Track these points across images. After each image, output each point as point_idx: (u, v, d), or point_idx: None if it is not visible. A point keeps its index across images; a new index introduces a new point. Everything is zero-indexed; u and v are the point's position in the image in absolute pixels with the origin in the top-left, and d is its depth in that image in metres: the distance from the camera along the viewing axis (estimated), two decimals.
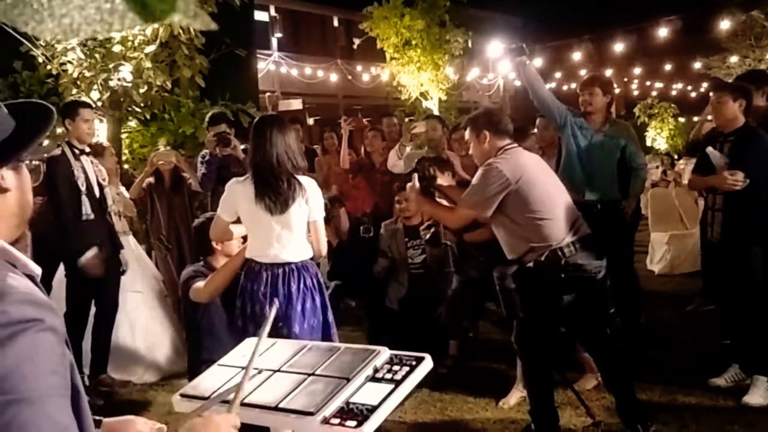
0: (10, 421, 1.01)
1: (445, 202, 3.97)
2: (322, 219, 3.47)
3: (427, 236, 5.00)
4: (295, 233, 3.34)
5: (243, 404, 1.77)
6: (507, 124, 3.72)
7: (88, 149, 4.83)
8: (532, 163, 3.62)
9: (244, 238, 3.67)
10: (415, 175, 3.91)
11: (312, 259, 3.47)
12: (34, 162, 5.11)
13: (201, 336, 3.82)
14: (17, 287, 1.10)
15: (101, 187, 4.82)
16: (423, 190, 3.90)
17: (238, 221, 3.51)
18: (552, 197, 3.53)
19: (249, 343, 2.17)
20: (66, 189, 4.61)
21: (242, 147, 5.48)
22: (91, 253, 4.61)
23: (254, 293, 3.33)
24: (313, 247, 3.44)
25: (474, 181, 3.66)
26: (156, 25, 6.07)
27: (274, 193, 3.27)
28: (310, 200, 3.34)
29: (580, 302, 3.53)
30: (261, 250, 3.35)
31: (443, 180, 4.19)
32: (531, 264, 3.49)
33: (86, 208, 4.64)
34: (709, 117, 4.77)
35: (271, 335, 3.15)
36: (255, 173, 3.32)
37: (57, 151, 4.73)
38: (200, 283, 3.68)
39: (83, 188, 4.65)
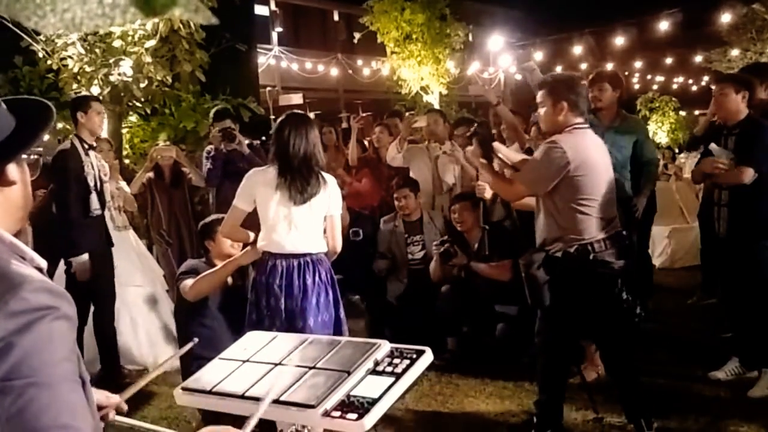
0: (28, 402, 1.05)
1: (492, 172, 3.79)
2: (339, 215, 3.51)
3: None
4: (314, 224, 3.40)
5: (244, 397, 1.78)
6: (586, 99, 3.54)
7: (95, 144, 4.84)
8: (594, 150, 3.47)
9: (243, 246, 3.70)
10: (476, 140, 3.80)
11: (326, 254, 3.49)
12: (32, 156, 5.13)
13: (191, 330, 3.83)
14: (33, 276, 1.14)
15: (101, 183, 4.81)
16: (484, 155, 3.75)
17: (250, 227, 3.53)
18: (600, 192, 3.44)
19: (251, 336, 2.17)
20: (75, 184, 4.58)
21: (247, 142, 5.49)
22: (84, 258, 4.59)
23: (269, 286, 3.35)
24: (328, 242, 3.47)
25: (535, 156, 3.56)
26: (156, 20, 6.07)
27: (302, 183, 3.33)
28: (331, 195, 3.43)
29: (600, 297, 3.49)
30: (277, 239, 3.37)
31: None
32: (559, 254, 3.45)
33: (94, 203, 4.64)
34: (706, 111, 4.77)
35: (286, 329, 3.19)
36: (284, 163, 3.36)
37: (66, 145, 4.68)
38: (189, 281, 3.71)
39: (92, 184, 4.64)
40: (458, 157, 5.32)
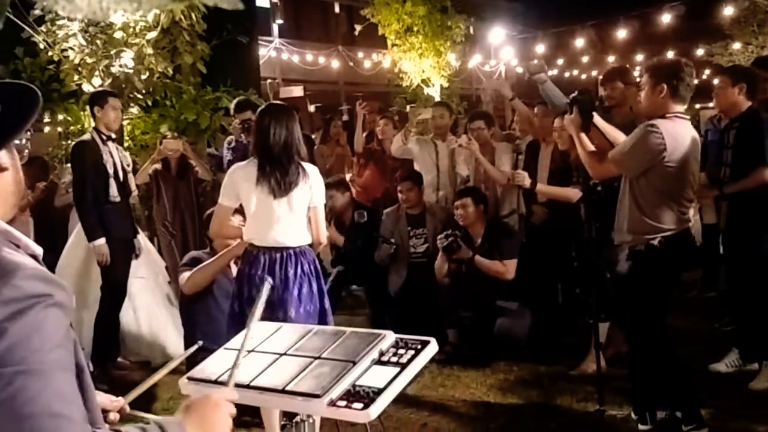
0: (18, 391, 1.04)
1: (588, 144, 3.69)
2: (323, 206, 3.50)
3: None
4: (296, 217, 3.38)
5: (251, 387, 1.79)
6: (689, 87, 3.42)
7: (114, 136, 4.93)
8: (691, 143, 3.41)
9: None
10: (576, 107, 3.70)
11: (311, 246, 3.49)
12: (23, 141, 5.19)
13: (196, 320, 3.84)
14: (27, 263, 1.13)
15: (125, 173, 4.92)
16: (583, 125, 3.68)
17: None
18: (686, 185, 3.43)
19: (257, 327, 2.18)
20: (92, 173, 4.72)
21: None
22: (100, 242, 4.70)
23: (251, 277, 3.37)
24: (312, 234, 3.46)
25: (631, 137, 3.50)
26: (157, 11, 6.06)
27: (281, 174, 3.32)
28: (312, 186, 3.40)
29: (671, 287, 3.52)
30: (260, 232, 3.39)
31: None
32: (642, 247, 3.43)
33: (113, 190, 4.76)
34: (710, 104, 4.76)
35: (265, 319, 3.21)
36: (263, 155, 3.36)
37: (86, 137, 4.86)
38: (186, 274, 3.72)
39: (111, 172, 4.76)
40: (473, 150, 5.34)
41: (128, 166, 4.99)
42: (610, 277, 3.49)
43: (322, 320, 3.42)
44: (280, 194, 3.32)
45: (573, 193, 4.58)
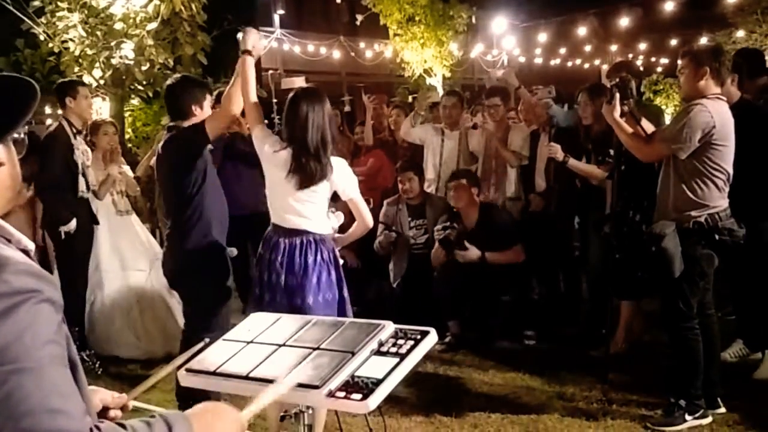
0: (13, 389, 1.03)
1: (628, 128, 3.69)
2: (358, 194, 3.46)
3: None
4: (318, 206, 3.37)
5: (249, 378, 1.78)
6: (728, 70, 3.55)
7: (81, 129, 4.88)
8: (732, 123, 3.50)
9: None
10: (617, 95, 3.67)
11: (353, 232, 3.54)
12: (21, 135, 5.15)
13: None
14: (16, 258, 1.12)
15: (84, 167, 4.83)
16: (623, 113, 3.67)
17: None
18: (729, 164, 3.48)
19: (254, 318, 2.17)
20: (63, 166, 4.66)
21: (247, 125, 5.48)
22: (73, 223, 4.69)
23: (271, 263, 3.35)
24: (358, 223, 3.49)
25: (678, 118, 3.55)
26: (157, 2, 6.04)
27: (313, 168, 3.27)
28: (338, 180, 3.36)
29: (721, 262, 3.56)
30: (280, 212, 3.38)
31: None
32: (690, 225, 3.46)
33: (82, 185, 4.71)
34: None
35: (285, 307, 3.21)
36: (299, 145, 3.28)
37: (56, 129, 4.77)
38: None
39: (81, 167, 4.70)
40: (488, 129, 5.33)
41: (88, 160, 4.87)
42: (655, 250, 3.45)
43: (341, 309, 3.41)
44: (304, 186, 3.29)
45: (598, 172, 4.63)
